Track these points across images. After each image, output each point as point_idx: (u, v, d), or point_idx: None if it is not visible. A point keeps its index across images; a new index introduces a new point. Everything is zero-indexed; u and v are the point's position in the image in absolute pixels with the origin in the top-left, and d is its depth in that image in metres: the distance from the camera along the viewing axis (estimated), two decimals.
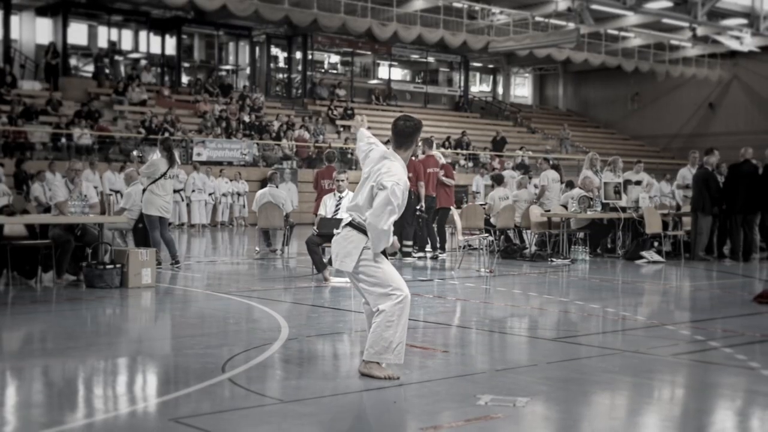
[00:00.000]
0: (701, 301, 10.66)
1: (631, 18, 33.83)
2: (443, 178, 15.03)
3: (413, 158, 14.77)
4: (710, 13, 32.77)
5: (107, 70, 31.25)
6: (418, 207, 14.95)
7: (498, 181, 16.63)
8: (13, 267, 10.42)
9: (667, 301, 10.76)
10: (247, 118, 29.93)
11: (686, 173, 16.64)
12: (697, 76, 39.65)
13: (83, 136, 24.75)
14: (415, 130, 5.89)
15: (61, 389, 5.53)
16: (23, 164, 21.56)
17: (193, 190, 23.76)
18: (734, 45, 37.18)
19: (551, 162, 17.86)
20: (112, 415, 4.82)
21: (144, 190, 12.58)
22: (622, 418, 4.95)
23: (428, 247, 15.04)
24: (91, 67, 31.73)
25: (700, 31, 35.25)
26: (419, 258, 14.67)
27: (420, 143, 15.53)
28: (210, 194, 24.25)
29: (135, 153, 24.03)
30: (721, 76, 40.33)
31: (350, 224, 5.84)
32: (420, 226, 15.25)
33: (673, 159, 38.19)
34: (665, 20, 34.13)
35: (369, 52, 38.88)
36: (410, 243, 15.22)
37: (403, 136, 5.86)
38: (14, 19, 30.27)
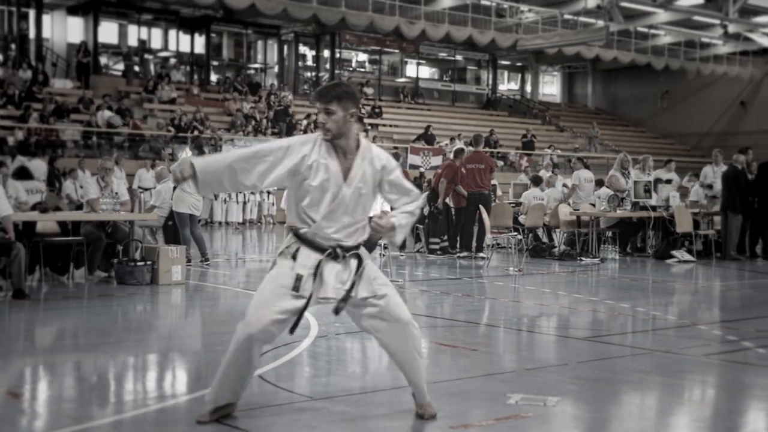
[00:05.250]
0: (733, 301, 10.55)
1: (662, 15, 33.53)
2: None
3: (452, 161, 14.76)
4: (742, 10, 32.39)
5: (137, 69, 31.48)
6: (433, 206, 14.91)
7: (536, 182, 16.61)
8: (46, 263, 10.53)
9: (699, 300, 10.67)
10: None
11: (709, 171, 16.42)
12: (728, 73, 39.19)
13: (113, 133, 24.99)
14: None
15: (92, 385, 5.58)
16: (55, 162, 21.79)
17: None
18: (766, 42, 36.76)
19: (585, 161, 17.78)
20: (141, 411, 4.85)
21: (174, 188, 12.66)
22: (653, 419, 4.91)
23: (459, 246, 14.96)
24: (121, 66, 32.02)
25: (732, 28, 34.83)
26: (460, 257, 14.54)
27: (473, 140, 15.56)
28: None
29: (169, 151, 24.16)
30: (752, 73, 39.83)
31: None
32: (438, 222, 15.24)
33: (703, 158, 37.76)
34: (696, 17, 33.79)
35: (397, 51, 38.82)
36: (436, 240, 15.24)
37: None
38: (46, 18, 30.58)
